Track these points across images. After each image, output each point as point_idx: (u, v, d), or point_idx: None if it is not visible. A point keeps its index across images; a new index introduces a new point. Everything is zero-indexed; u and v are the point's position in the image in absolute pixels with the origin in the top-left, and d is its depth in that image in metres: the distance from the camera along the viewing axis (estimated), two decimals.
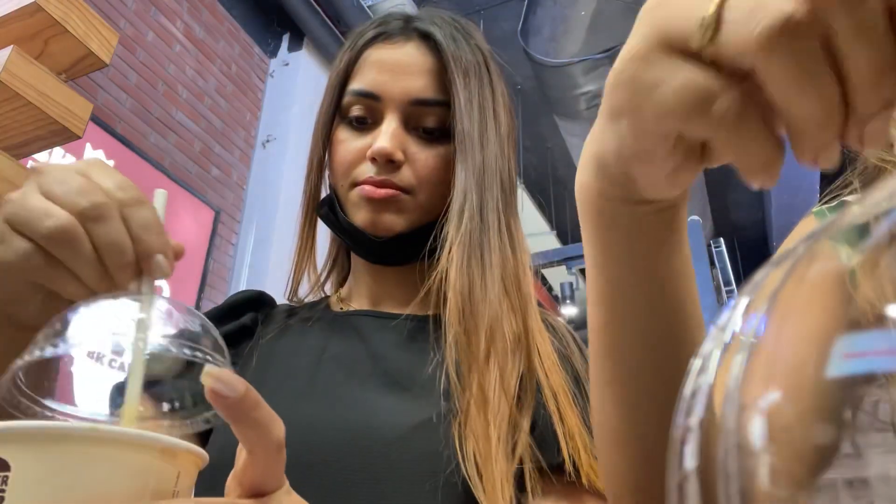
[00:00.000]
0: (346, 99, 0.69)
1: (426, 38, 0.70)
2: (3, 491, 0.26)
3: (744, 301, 0.18)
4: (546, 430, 0.57)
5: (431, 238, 0.65)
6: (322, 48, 3.83)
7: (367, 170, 0.65)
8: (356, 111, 0.68)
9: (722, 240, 4.09)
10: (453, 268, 0.61)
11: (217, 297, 3.17)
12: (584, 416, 0.59)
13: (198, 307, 3.07)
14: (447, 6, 0.75)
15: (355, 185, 0.66)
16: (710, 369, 0.17)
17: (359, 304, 0.73)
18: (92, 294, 0.39)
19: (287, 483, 0.34)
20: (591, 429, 0.59)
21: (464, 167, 0.64)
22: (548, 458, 0.56)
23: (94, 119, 2.62)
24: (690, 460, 0.16)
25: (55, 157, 2.61)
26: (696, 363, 0.18)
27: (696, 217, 3.96)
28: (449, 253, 0.62)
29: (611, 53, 4.09)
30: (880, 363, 0.16)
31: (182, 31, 3.21)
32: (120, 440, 0.28)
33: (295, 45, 3.86)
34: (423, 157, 0.66)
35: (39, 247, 0.38)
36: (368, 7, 3.81)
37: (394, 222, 0.65)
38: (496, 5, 4.22)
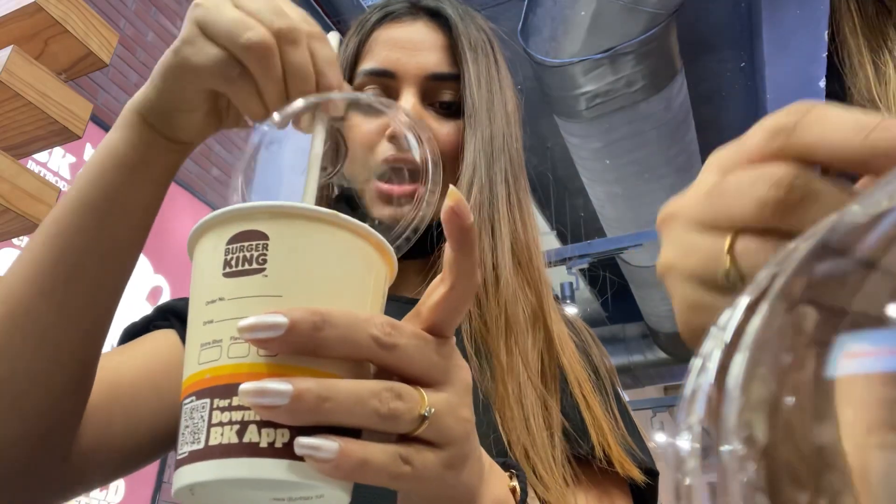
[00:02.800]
0: (358, 80, 0.68)
1: (434, 16, 0.70)
2: (265, 255, 0.31)
3: (744, 301, 0.18)
4: (573, 418, 0.57)
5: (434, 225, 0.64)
6: None
7: (386, 149, 0.64)
8: (369, 91, 0.67)
9: None
10: None
11: None
12: (604, 408, 0.59)
13: None
14: None
15: (374, 168, 0.65)
16: (710, 369, 0.17)
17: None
18: (266, 116, 0.42)
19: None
20: (616, 419, 0.59)
21: (473, 140, 0.64)
22: (575, 446, 0.56)
23: (94, 119, 2.62)
24: (692, 460, 0.16)
25: (55, 156, 2.61)
26: (696, 363, 0.18)
27: None
28: None
29: (611, 53, 4.08)
30: (880, 363, 0.16)
31: None
32: (354, 228, 0.33)
33: None
34: (445, 131, 0.66)
35: (232, 57, 0.40)
36: (368, 7, 3.80)
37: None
38: (496, 5, 4.21)
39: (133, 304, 2.74)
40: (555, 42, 4.09)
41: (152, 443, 0.57)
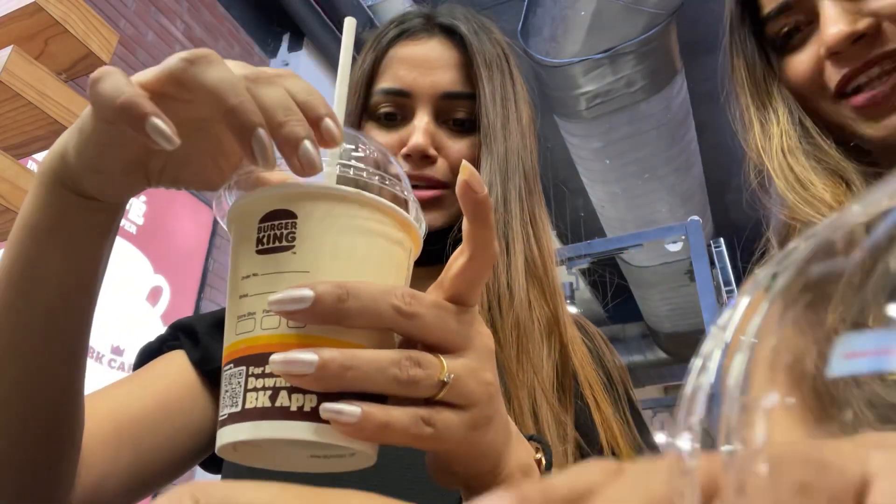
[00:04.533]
0: (374, 98, 0.69)
1: (449, 33, 0.71)
2: (293, 233, 0.33)
3: (744, 301, 0.18)
4: (584, 419, 0.58)
5: (455, 231, 0.65)
6: (322, 48, 3.82)
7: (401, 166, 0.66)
8: (385, 108, 0.69)
9: (722, 240, 4.10)
10: None
11: (217, 297, 3.17)
12: (615, 409, 0.60)
13: (198, 307, 3.06)
14: (454, 4, 0.75)
15: None
16: (710, 369, 0.17)
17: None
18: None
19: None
20: (626, 420, 0.60)
21: (488, 159, 0.66)
22: (586, 449, 0.56)
23: None
24: (692, 460, 0.16)
25: None
26: (696, 363, 0.18)
27: (696, 217, 3.96)
28: None
29: (611, 53, 4.08)
30: (880, 363, 0.16)
31: (182, 32, 3.21)
32: (378, 206, 0.35)
33: (295, 46, 3.86)
34: (457, 148, 0.67)
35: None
36: (369, 7, 3.80)
37: (435, 219, 0.66)
38: (496, 5, 4.21)
39: (133, 305, 2.74)
40: (555, 42, 4.09)
41: (170, 466, 0.57)
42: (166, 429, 0.57)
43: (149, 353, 0.64)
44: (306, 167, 0.33)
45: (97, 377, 2.55)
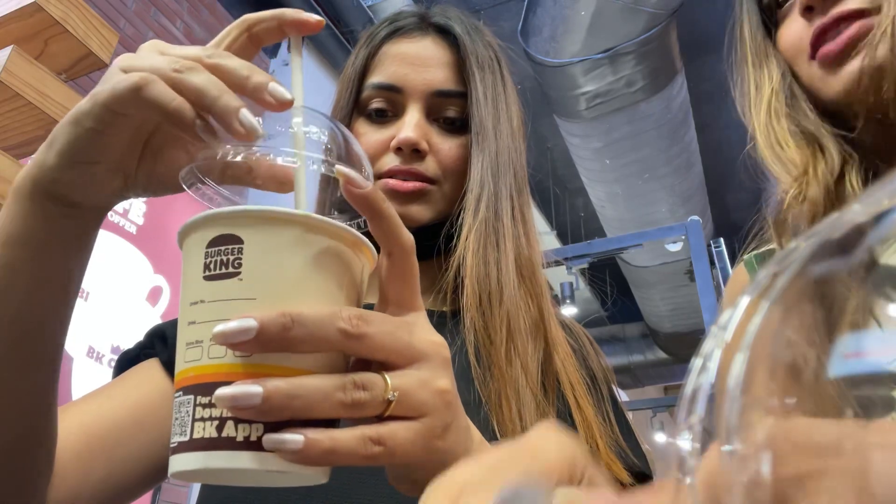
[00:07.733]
0: (366, 93, 0.69)
1: (443, 33, 0.71)
2: (240, 259, 0.33)
3: (744, 301, 0.18)
4: (565, 420, 0.58)
5: (448, 226, 0.65)
6: (322, 48, 3.82)
7: (390, 160, 0.66)
8: (376, 104, 0.69)
9: (722, 240, 4.10)
10: (469, 254, 0.62)
11: None
12: (596, 412, 0.60)
13: None
14: (448, 5, 0.76)
15: (378, 177, 0.67)
16: (710, 369, 0.17)
17: (370, 298, 0.73)
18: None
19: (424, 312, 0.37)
20: (608, 422, 0.60)
21: (480, 158, 0.66)
22: None
23: None
24: (692, 460, 0.16)
25: None
26: (696, 362, 0.18)
27: (696, 217, 3.96)
28: (466, 240, 0.63)
29: (611, 53, 4.08)
30: (879, 363, 0.16)
31: (182, 31, 3.21)
32: (327, 227, 0.34)
33: None
34: (447, 146, 0.67)
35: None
36: (368, 7, 3.80)
37: (420, 213, 0.66)
38: (496, 5, 4.21)
39: (133, 305, 2.74)
40: (555, 42, 4.09)
41: (144, 477, 0.57)
42: (140, 440, 0.56)
43: (127, 361, 0.64)
44: (250, 131, 0.35)
45: (97, 377, 2.55)
